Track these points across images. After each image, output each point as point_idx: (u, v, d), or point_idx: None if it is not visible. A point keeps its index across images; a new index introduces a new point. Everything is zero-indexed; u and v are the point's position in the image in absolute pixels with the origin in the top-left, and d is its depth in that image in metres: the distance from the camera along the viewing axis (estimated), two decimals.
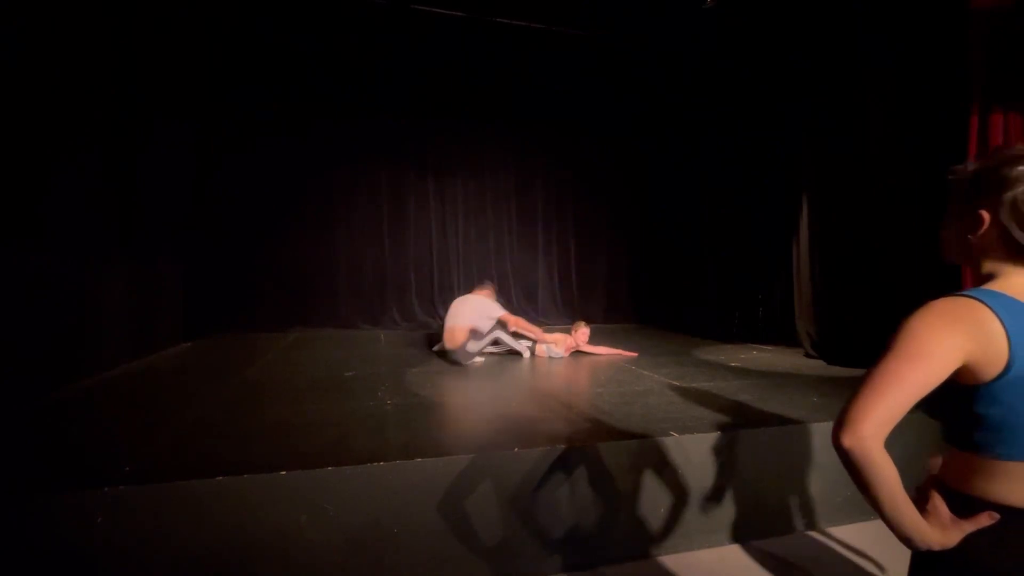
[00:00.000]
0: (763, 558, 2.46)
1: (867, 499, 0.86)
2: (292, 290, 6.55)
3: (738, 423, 2.69)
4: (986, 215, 0.90)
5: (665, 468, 2.45)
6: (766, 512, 2.65)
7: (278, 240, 6.51)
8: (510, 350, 4.83)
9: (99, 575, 1.92)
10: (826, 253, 4.72)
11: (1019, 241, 0.87)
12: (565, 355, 4.76)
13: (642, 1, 5.49)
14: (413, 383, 3.70)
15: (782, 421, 2.76)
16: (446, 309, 4.79)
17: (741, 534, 2.54)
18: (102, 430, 2.66)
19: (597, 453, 2.42)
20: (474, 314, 4.53)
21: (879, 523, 0.90)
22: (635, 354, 4.89)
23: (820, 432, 2.76)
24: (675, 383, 3.64)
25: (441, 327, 4.73)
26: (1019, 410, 0.84)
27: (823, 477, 2.75)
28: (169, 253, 5.24)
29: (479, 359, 4.56)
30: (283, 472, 2.07)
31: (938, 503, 0.91)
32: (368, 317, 6.82)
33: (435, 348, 5.03)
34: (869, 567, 2.34)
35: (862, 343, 4.29)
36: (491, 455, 2.32)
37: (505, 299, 7.29)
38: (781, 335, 5.51)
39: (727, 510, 2.54)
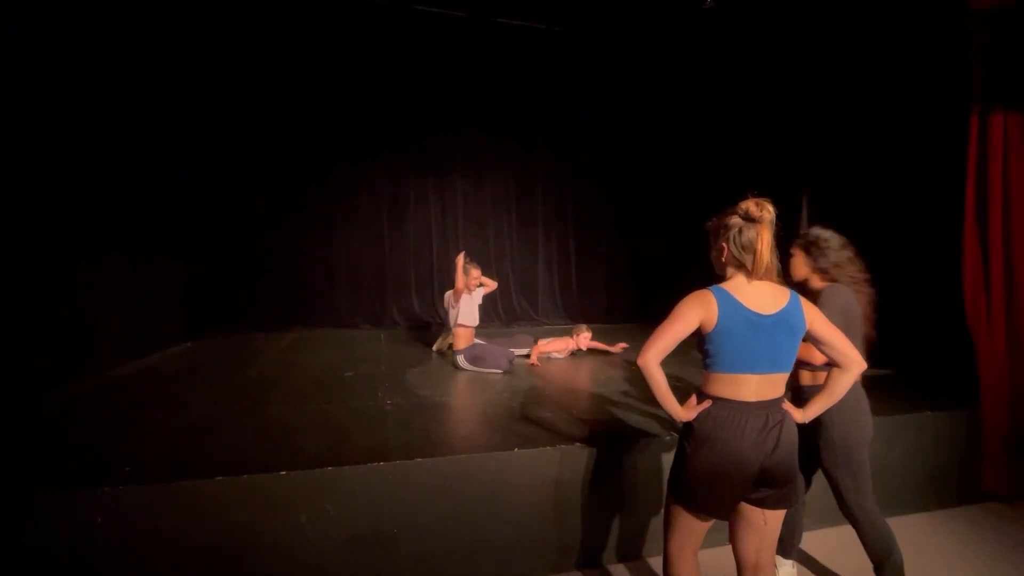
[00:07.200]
0: None
1: (654, 395, 1.66)
2: (292, 290, 6.54)
3: None
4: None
5: (665, 468, 2.45)
6: None
7: (278, 240, 6.49)
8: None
9: (99, 575, 1.92)
10: None
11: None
12: (563, 356, 4.76)
13: (642, 1, 5.50)
14: (413, 383, 3.70)
15: None
16: (446, 309, 4.71)
17: None
18: (102, 430, 2.66)
19: (597, 453, 2.43)
20: (450, 310, 4.35)
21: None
22: (626, 344, 4.96)
23: None
24: (676, 383, 3.63)
25: (442, 326, 4.69)
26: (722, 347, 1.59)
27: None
28: (169, 253, 5.24)
29: (496, 370, 4.08)
30: (283, 472, 2.08)
31: (692, 398, 1.70)
32: (368, 317, 6.81)
33: (435, 348, 5.02)
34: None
35: None
36: (491, 455, 2.32)
37: (505, 299, 7.30)
38: None
39: None
